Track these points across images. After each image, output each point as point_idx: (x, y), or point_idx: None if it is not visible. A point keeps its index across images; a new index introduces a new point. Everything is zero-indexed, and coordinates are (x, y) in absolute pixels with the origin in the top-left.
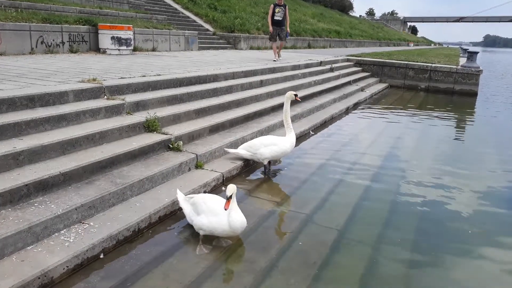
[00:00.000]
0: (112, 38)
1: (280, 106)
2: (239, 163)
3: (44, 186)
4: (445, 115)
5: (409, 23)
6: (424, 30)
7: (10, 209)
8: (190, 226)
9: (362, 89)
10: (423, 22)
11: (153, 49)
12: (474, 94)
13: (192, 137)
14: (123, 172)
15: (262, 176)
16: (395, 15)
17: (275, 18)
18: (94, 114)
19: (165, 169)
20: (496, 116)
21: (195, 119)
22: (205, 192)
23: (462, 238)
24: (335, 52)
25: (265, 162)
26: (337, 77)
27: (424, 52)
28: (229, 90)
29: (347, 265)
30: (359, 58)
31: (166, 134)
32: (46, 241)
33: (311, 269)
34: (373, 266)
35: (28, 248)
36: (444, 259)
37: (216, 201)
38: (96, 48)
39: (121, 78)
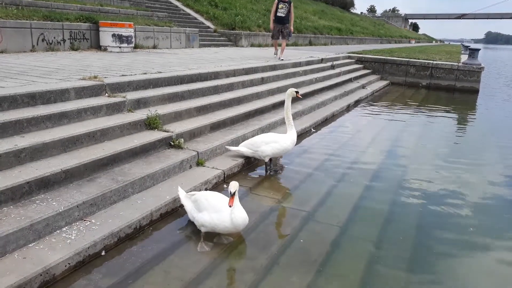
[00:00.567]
0: (113, 35)
1: (281, 104)
2: (240, 160)
3: (45, 184)
4: (447, 112)
5: (410, 20)
6: (425, 27)
7: (12, 207)
8: (191, 223)
9: (363, 87)
10: (424, 19)
11: (154, 47)
12: (476, 91)
13: (193, 134)
14: (124, 170)
15: (263, 173)
16: (396, 12)
17: (278, 14)
18: (95, 111)
19: (166, 167)
20: (497, 113)
21: (196, 117)
22: (206, 189)
23: (463, 235)
24: (336, 49)
25: (266, 160)
26: (338, 75)
27: (425, 49)
28: (230, 87)
29: (348, 262)
30: (360, 55)
31: (167, 132)
32: (47, 238)
33: (312, 266)
34: (374, 263)
35: (30, 245)
36: (446, 256)
37: (218, 198)
38: (97, 46)
39: (122, 75)
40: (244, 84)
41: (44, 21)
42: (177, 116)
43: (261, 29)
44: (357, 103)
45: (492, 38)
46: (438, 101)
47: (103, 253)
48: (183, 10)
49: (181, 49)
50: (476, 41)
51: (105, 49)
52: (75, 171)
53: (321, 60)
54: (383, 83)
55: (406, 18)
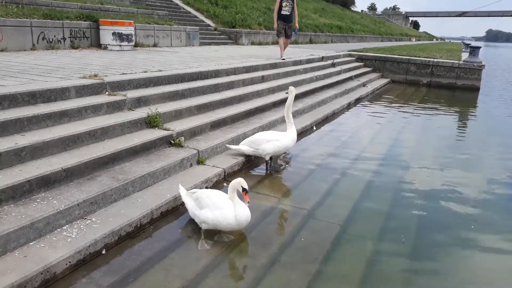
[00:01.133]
0: (113, 34)
1: (281, 102)
2: (241, 159)
3: (46, 182)
4: (447, 110)
5: (411, 18)
6: (426, 25)
7: (12, 205)
8: (192, 222)
9: (363, 85)
10: (425, 17)
11: (154, 45)
12: (477, 89)
13: (193, 133)
14: (125, 168)
15: (263, 172)
16: (397, 10)
17: (282, 12)
18: (95, 110)
19: (166, 165)
20: (498, 111)
21: (196, 115)
22: (206, 187)
23: (464, 233)
24: (336, 47)
25: (267, 158)
26: (339, 73)
27: (426, 47)
28: (230, 85)
29: (349, 260)
30: (361, 53)
31: (167, 130)
32: (48, 236)
33: (312, 264)
34: (374, 261)
35: (30, 243)
36: (447, 254)
37: (219, 196)
38: (97, 44)
39: (123, 74)
40: (244, 82)
41: (44, 19)
42: (178, 115)
43: (262, 27)
44: (357, 101)
45: (493, 36)
46: (439, 99)
47: (103, 252)
48: (184, 8)
49: (181, 47)
50: (477, 39)
51: (105, 48)
52: (75, 169)
53: (322, 58)
54: (383, 81)
55: (406, 16)
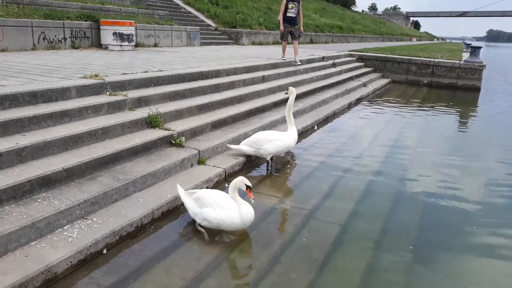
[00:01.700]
0: (114, 34)
1: (282, 102)
2: (242, 159)
3: (47, 182)
4: (448, 110)
5: (411, 18)
6: (427, 25)
7: (13, 205)
8: (192, 221)
9: (364, 85)
10: (426, 17)
11: (155, 45)
12: (477, 89)
13: (194, 133)
14: (125, 168)
15: (264, 172)
16: (397, 10)
17: (288, 14)
18: (96, 110)
19: (167, 165)
20: (499, 111)
21: (197, 115)
22: (207, 187)
23: (466, 233)
24: (337, 47)
25: (268, 158)
26: (340, 73)
27: (427, 47)
28: (231, 85)
29: (350, 260)
30: (362, 53)
31: (168, 130)
32: (49, 236)
33: (313, 264)
34: (376, 261)
35: (31, 243)
36: (448, 254)
37: (221, 195)
38: (98, 44)
39: (123, 74)
40: (245, 82)
41: (45, 19)
42: (178, 115)
43: (262, 27)
44: (358, 101)
45: (494, 36)
46: (440, 99)
47: (104, 252)
48: (184, 8)
49: (182, 47)
50: (478, 39)
51: (106, 48)
52: (76, 169)
53: (322, 58)
54: (384, 81)
55: (407, 16)
